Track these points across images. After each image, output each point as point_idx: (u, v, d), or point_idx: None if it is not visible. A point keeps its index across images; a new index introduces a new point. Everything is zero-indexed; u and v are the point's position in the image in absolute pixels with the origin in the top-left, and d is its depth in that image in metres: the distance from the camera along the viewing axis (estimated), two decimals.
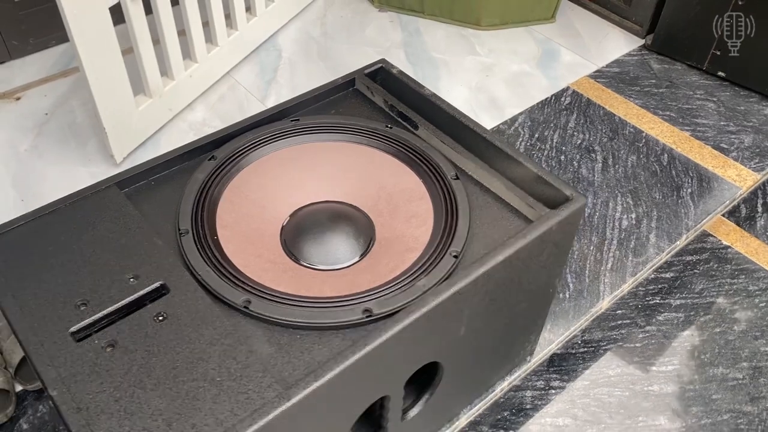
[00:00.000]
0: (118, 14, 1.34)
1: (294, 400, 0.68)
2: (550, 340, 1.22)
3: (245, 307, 0.77)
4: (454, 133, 1.00)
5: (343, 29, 1.95)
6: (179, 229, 0.85)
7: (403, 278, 0.82)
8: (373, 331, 0.75)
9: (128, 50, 1.42)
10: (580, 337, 1.33)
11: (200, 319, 0.76)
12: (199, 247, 0.83)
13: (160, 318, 0.75)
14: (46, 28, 1.76)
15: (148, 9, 1.42)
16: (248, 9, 1.77)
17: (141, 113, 1.48)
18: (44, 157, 1.51)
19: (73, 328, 0.74)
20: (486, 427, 1.19)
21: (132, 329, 0.74)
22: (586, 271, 1.34)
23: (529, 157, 1.21)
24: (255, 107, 1.66)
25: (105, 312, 0.75)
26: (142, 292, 0.78)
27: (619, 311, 1.37)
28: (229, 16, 1.70)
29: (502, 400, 1.23)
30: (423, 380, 0.95)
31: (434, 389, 0.94)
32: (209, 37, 1.65)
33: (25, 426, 1.07)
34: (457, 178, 0.94)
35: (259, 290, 0.79)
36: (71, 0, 1.20)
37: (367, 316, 0.77)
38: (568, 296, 1.29)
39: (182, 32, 1.56)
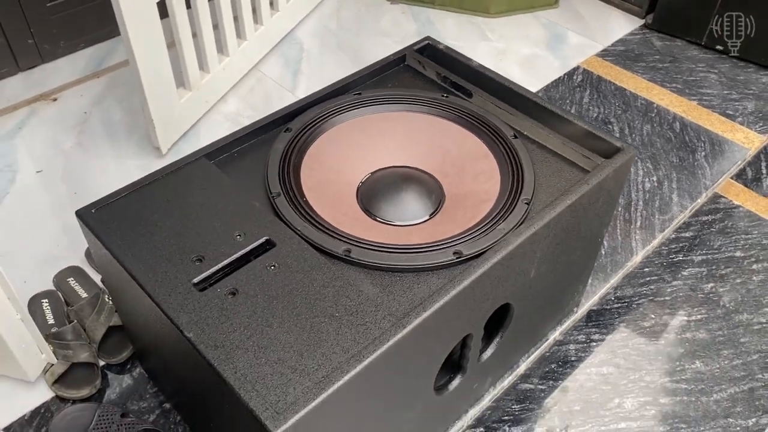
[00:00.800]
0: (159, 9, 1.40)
1: (409, 328, 0.76)
2: (593, 293, 1.31)
3: (347, 255, 0.85)
4: (506, 98, 1.09)
5: (357, 22, 2.03)
6: (271, 192, 0.92)
7: (484, 223, 0.90)
8: (466, 269, 0.83)
9: (169, 44, 1.48)
10: (613, 294, 1.42)
11: (309, 266, 0.83)
12: (292, 206, 0.91)
13: (272, 267, 0.83)
14: (76, 32, 1.81)
15: (187, 3, 1.49)
16: (271, 4, 1.85)
17: (182, 105, 1.55)
18: (89, 153, 1.56)
19: (195, 280, 0.81)
20: (536, 378, 1.27)
21: (249, 278, 0.81)
22: (618, 230, 1.43)
23: (578, 115, 1.30)
24: (285, 97, 1.73)
25: (221, 265, 0.82)
26: (250, 247, 0.85)
27: (647, 269, 1.47)
28: (255, 11, 1.77)
29: (548, 353, 1.31)
30: (491, 328, 1.03)
31: (505, 331, 1.02)
32: (239, 32, 1.72)
33: (113, 396, 1.13)
34: (516, 137, 1.02)
35: (356, 240, 0.87)
36: None
37: (457, 257, 0.85)
38: (603, 253, 1.38)
39: (215, 26, 1.63)
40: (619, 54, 1.92)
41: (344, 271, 0.84)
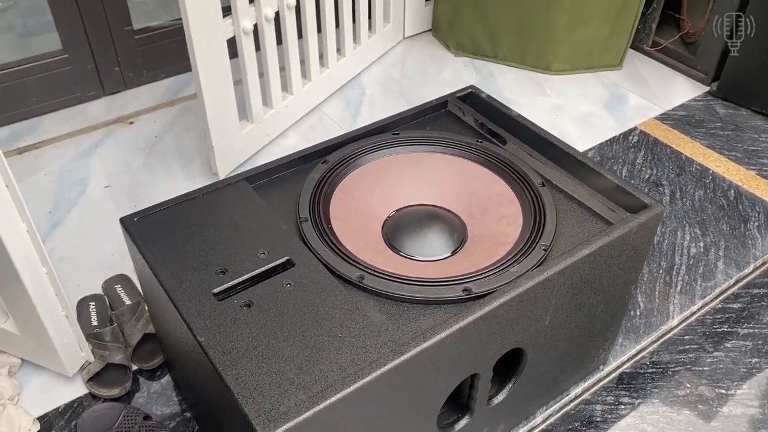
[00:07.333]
0: (231, 50, 1.52)
1: (406, 356, 0.78)
2: (623, 352, 1.28)
3: (359, 281, 0.88)
4: (540, 148, 1.11)
5: (421, 72, 2.11)
6: (300, 217, 0.98)
7: (498, 265, 0.91)
8: (472, 307, 0.85)
9: (237, 82, 1.59)
10: (648, 359, 1.38)
11: (322, 288, 0.87)
12: (317, 232, 0.95)
13: (288, 285, 0.87)
14: (158, 63, 1.97)
15: (257, 46, 1.60)
16: (338, 50, 1.95)
17: (244, 136, 1.64)
18: (154, 173, 1.68)
19: (216, 290, 0.86)
20: None
21: (265, 293, 0.86)
22: (656, 293, 1.40)
23: (609, 169, 1.31)
24: None
25: (242, 278, 0.88)
26: (271, 265, 0.90)
27: (687, 336, 1.42)
28: (322, 56, 1.88)
29: (573, 411, 1.28)
30: (507, 373, 1.03)
31: (518, 377, 1.02)
32: (304, 73, 1.82)
33: (140, 400, 1.19)
34: (544, 185, 1.04)
35: (371, 269, 0.90)
36: (198, 33, 1.38)
37: (466, 294, 0.87)
38: (638, 314, 1.35)
39: (282, 68, 1.73)
40: (680, 119, 1.90)
41: (355, 296, 0.88)
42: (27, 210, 1.01)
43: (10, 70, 1.77)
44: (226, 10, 1.47)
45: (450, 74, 2.10)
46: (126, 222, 0.97)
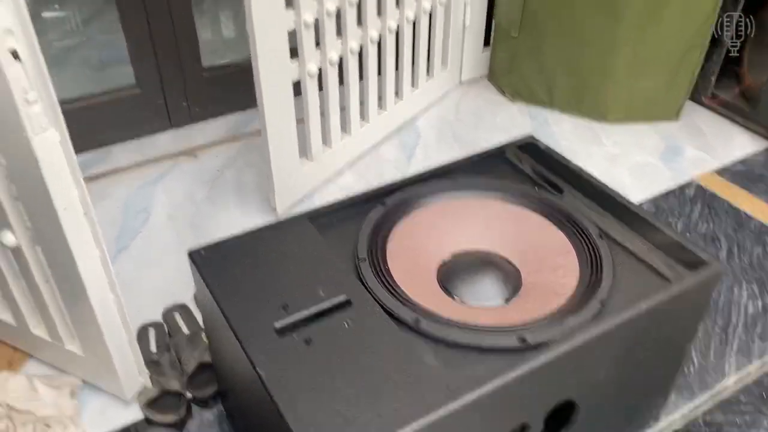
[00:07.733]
0: (294, 89, 1.58)
1: (460, 402, 0.79)
2: (675, 410, 1.25)
3: (416, 324, 0.90)
4: (598, 200, 1.12)
5: (476, 116, 2.14)
6: (358, 257, 1.00)
7: (554, 315, 0.92)
8: (527, 356, 0.85)
9: (298, 121, 1.64)
10: (701, 418, 1.34)
11: (379, 329, 0.89)
12: (374, 272, 0.98)
13: (346, 325, 0.89)
14: (224, 99, 2.06)
15: (320, 86, 1.66)
16: (397, 93, 2.00)
17: (303, 174, 1.70)
18: (217, 206, 1.74)
19: (277, 325, 0.89)
20: None
21: (324, 331, 0.88)
22: (711, 351, 1.37)
23: (668, 224, 1.30)
24: (397, 177, 1.84)
25: (302, 315, 0.90)
26: (330, 303, 0.92)
27: (743, 397, 1.38)
28: (381, 98, 1.93)
29: None
30: (555, 425, 1.03)
31: (568, 430, 1.01)
32: (363, 114, 1.87)
33: (192, 428, 1.22)
34: (601, 238, 1.05)
35: (427, 312, 0.92)
36: (266, 74, 1.44)
37: (522, 344, 0.88)
38: (693, 371, 1.33)
39: (342, 108, 1.79)
40: (739, 173, 1.88)
41: (411, 339, 0.89)
42: (102, 237, 1.06)
43: (86, 103, 1.87)
44: (293, 52, 1.54)
45: (504, 120, 2.12)
46: (193, 254, 1.01)
